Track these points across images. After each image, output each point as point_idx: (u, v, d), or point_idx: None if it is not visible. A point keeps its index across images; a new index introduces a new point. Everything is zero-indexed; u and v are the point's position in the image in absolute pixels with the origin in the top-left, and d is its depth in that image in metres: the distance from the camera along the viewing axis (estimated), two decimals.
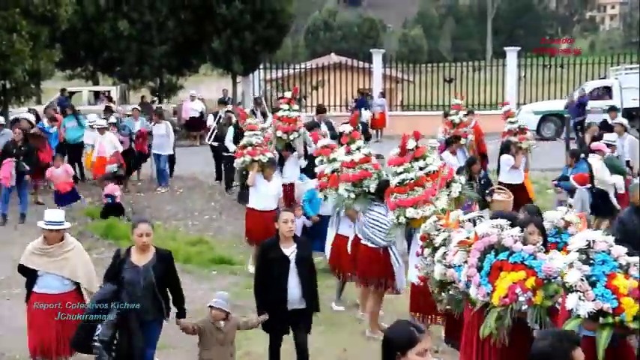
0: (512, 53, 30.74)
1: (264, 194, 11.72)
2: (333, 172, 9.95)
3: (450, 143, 14.48)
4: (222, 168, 17.44)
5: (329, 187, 9.98)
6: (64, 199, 15.34)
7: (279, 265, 7.47)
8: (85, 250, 13.08)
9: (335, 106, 30.12)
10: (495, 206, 11.18)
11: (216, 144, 17.54)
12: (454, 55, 66.00)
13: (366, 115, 25.39)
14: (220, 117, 18.00)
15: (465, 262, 6.20)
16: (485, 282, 5.93)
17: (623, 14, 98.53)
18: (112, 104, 23.48)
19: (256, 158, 11.89)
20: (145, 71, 28.82)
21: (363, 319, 9.69)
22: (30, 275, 7.77)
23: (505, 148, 14.22)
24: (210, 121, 18.82)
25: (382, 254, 9.13)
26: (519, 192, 13.00)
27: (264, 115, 18.28)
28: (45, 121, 18.50)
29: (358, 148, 9.64)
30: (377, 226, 9.12)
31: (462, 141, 14.86)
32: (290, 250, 7.51)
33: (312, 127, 13.80)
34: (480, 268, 6.03)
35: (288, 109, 13.60)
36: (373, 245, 9.15)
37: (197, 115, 26.49)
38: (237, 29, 26.52)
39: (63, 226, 7.69)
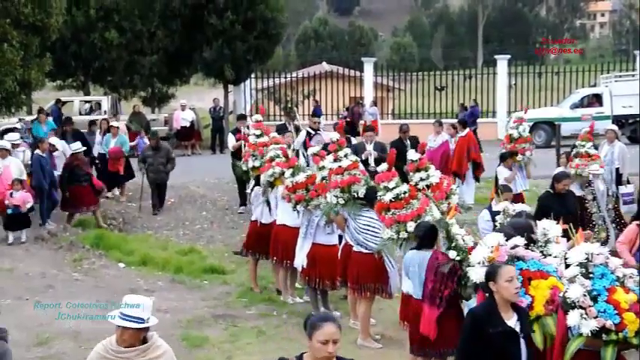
0: (502, 61, 30.84)
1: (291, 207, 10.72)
2: (322, 179, 9.90)
3: (505, 158, 13.78)
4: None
5: (319, 196, 9.96)
6: None
7: (506, 343, 5.40)
8: (77, 261, 13.21)
9: (326, 114, 30.13)
10: None
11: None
12: (445, 64, 66.08)
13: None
14: (247, 134, 16.41)
15: None
16: (523, 293, 5.86)
17: (613, 22, 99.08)
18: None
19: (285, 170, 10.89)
20: (135, 81, 28.80)
21: (355, 328, 9.68)
22: None
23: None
24: (232, 140, 16.15)
25: (377, 259, 9.12)
26: None
27: (297, 130, 17.09)
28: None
29: (346, 155, 9.64)
30: (369, 230, 9.12)
31: (519, 157, 14.07)
32: (513, 321, 5.50)
33: (279, 130, 13.32)
34: None
35: (260, 135, 12.45)
36: (367, 251, 9.14)
37: (188, 124, 26.47)
38: (228, 39, 26.54)
39: (147, 323, 5.09)
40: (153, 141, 16.81)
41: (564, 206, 10.11)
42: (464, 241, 7.16)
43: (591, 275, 5.56)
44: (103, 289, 11.76)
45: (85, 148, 16.06)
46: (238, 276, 12.59)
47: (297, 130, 16.93)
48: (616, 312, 5.38)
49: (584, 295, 5.45)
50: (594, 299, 5.45)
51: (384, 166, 8.83)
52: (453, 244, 7.17)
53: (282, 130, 14.91)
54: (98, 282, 12.20)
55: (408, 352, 7.92)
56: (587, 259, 5.63)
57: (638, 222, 8.89)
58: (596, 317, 5.39)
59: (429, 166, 9.13)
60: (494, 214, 9.20)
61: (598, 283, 5.51)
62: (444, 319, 7.14)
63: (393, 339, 9.35)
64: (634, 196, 14.72)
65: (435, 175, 9.07)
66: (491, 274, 5.53)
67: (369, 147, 14.04)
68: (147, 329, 5.13)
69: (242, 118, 17.00)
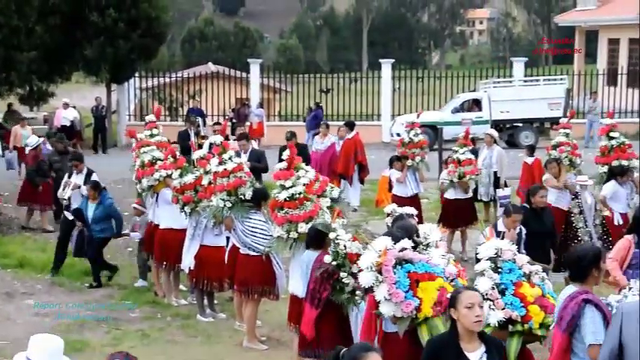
0: (386, 65, 31.36)
1: (178, 210, 10.47)
2: (209, 183, 9.79)
3: (393, 162, 13.69)
4: None
5: (205, 199, 9.86)
6: None
7: None
8: None
9: (212, 115, 29.89)
10: None
11: None
12: (331, 66, 66.79)
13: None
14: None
15: (380, 281, 5.93)
16: (411, 296, 5.81)
17: (491, 29, 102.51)
18: None
19: (170, 172, 10.63)
20: (12, 78, 27.71)
21: (240, 329, 9.64)
22: None
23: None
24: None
25: (264, 261, 9.11)
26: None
27: (197, 135, 16.49)
28: None
29: (230, 158, 9.57)
30: (257, 233, 9.11)
31: (409, 162, 13.66)
32: (478, 354, 4.82)
33: (181, 136, 13.15)
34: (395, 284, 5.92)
35: (151, 135, 11.80)
36: (255, 253, 9.11)
37: (68, 123, 25.74)
38: (111, 37, 25.95)
39: None
40: (61, 145, 15.75)
41: (542, 223, 9.61)
42: (345, 247, 7.20)
43: (500, 270, 5.83)
44: None
45: None
46: (122, 278, 12.33)
47: (197, 135, 16.79)
48: (522, 304, 5.69)
49: (493, 288, 5.70)
50: (502, 292, 5.73)
51: (282, 165, 8.82)
52: (332, 248, 7.24)
53: (184, 136, 14.70)
54: None
55: (296, 354, 7.93)
56: (496, 254, 5.88)
57: (629, 236, 7.96)
58: (503, 309, 5.66)
59: (299, 166, 9.00)
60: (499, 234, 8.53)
61: (506, 277, 5.79)
62: (323, 320, 7.20)
63: (279, 341, 9.36)
64: (509, 199, 15.24)
65: (306, 175, 8.88)
66: (452, 299, 4.91)
67: (244, 157, 13.02)
68: None
69: (188, 120, 16.01)
